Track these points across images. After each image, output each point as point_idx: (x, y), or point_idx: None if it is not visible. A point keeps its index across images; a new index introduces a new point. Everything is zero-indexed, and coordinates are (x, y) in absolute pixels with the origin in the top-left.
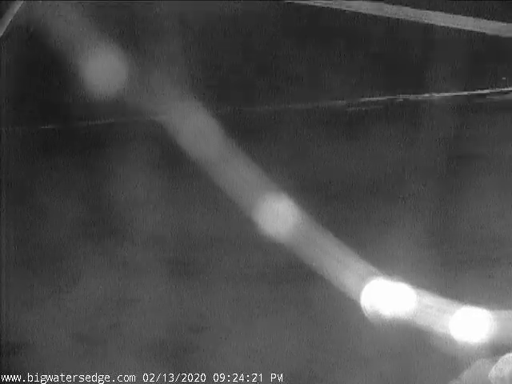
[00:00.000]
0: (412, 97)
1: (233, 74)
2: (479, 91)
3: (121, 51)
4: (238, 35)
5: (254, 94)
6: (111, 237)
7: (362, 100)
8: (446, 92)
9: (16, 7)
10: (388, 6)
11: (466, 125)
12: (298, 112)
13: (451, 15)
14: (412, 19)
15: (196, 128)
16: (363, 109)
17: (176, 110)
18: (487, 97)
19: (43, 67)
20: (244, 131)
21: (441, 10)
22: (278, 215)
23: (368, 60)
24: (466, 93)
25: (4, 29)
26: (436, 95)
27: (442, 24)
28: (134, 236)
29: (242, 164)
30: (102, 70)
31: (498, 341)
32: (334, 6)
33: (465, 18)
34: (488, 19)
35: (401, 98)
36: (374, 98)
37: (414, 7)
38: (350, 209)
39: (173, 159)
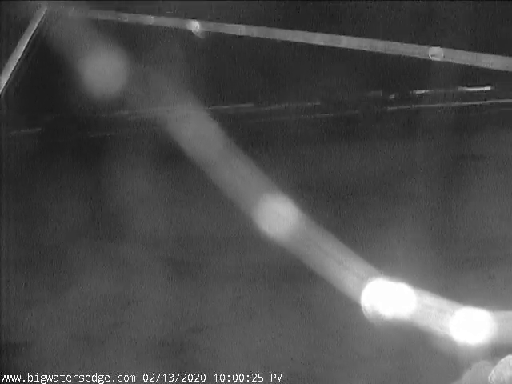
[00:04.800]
0: (411, 97)
1: (233, 75)
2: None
3: (121, 52)
4: (239, 37)
5: (254, 94)
6: (111, 237)
7: (362, 100)
8: (445, 92)
9: (40, 13)
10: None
11: (466, 125)
12: (298, 112)
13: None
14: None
15: (196, 129)
16: (363, 109)
17: (176, 111)
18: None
19: (51, 72)
20: (243, 131)
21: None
22: (278, 215)
23: (369, 64)
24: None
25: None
26: (434, 95)
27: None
28: (134, 236)
29: (241, 164)
30: (103, 71)
31: (499, 342)
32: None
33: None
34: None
35: (400, 98)
36: (374, 99)
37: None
38: (350, 209)
39: (172, 160)
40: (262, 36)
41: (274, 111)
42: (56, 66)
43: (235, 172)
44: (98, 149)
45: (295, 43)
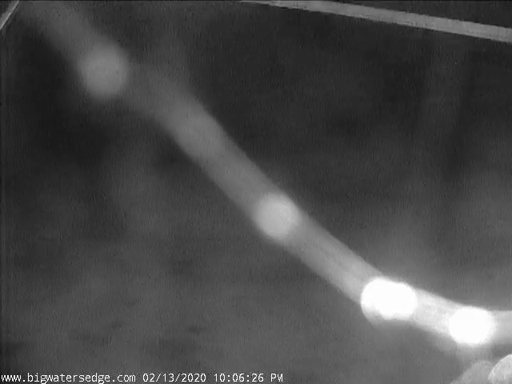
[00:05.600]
0: (412, 96)
1: (233, 75)
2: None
3: (121, 51)
4: (239, 37)
5: (255, 94)
6: (111, 237)
7: (362, 100)
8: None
9: (13, 6)
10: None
11: (466, 125)
12: (297, 112)
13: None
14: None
15: (196, 128)
16: (363, 108)
17: (176, 110)
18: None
19: (41, 67)
20: (243, 131)
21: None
22: (278, 215)
23: (367, 65)
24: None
25: (1, 27)
26: (434, 95)
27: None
28: (133, 236)
29: (241, 164)
30: (102, 70)
31: (498, 341)
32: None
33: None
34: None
35: (400, 97)
36: (373, 98)
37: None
38: (350, 209)
39: (172, 160)
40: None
41: (275, 111)
42: (33, 54)
43: (235, 172)
44: (97, 148)
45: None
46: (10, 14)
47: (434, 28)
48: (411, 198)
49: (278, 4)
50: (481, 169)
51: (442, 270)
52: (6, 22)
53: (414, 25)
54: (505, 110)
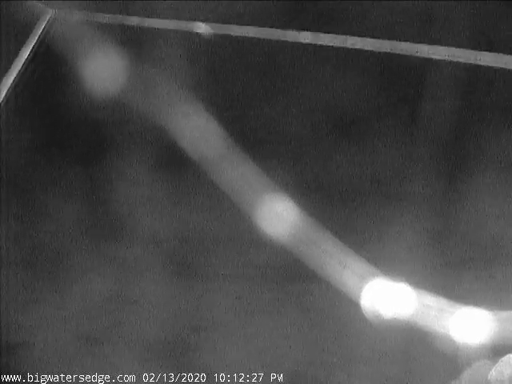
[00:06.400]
0: (412, 96)
1: (235, 76)
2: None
3: (124, 54)
4: (242, 41)
5: (255, 94)
6: (112, 237)
7: (362, 99)
8: (446, 95)
9: (45, 18)
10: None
11: (466, 126)
12: (298, 112)
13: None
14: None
15: (197, 129)
16: (363, 108)
17: (177, 111)
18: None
19: (44, 67)
20: (244, 132)
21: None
22: (279, 215)
23: (367, 68)
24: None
25: (35, 40)
26: (434, 97)
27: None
28: (134, 236)
29: (242, 165)
30: (106, 72)
31: (499, 341)
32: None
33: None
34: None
35: (401, 96)
36: (375, 101)
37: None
38: (351, 209)
39: (173, 160)
40: (266, 37)
41: (275, 112)
42: (60, 69)
43: (236, 172)
44: (98, 150)
45: (301, 45)
46: (43, 27)
47: (439, 57)
48: (412, 199)
49: (288, 39)
50: (481, 170)
51: (442, 270)
52: (40, 35)
53: (425, 55)
54: (505, 111)
